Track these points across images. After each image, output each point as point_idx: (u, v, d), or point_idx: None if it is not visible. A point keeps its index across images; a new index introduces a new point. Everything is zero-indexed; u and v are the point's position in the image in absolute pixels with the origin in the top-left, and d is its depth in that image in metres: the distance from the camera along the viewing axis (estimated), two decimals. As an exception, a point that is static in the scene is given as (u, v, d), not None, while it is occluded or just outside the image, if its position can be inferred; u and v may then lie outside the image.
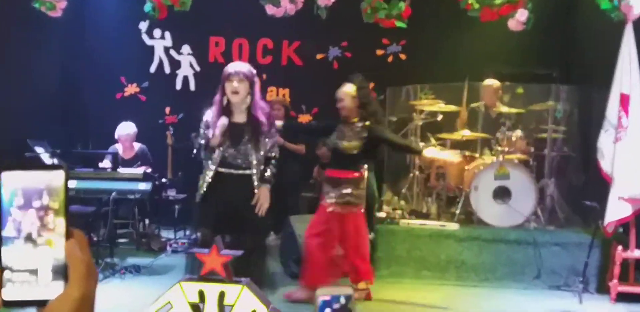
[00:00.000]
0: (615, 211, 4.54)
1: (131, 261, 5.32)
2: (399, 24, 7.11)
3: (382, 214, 5.82)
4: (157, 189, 5.92)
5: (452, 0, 5.74)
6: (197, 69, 7.77)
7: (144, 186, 5.43)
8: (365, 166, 5.76)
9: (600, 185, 4.86)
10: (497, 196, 5.39)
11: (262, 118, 3.61)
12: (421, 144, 5.46)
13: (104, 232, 5.58)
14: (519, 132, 5.68)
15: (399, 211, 5.89)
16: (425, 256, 5.17)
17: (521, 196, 5.34)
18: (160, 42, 7.75)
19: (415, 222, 5.38)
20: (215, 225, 3.59)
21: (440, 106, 6.00)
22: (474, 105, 6.03)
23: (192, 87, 7.78)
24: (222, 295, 2.68)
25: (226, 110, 3.52)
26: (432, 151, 4.55)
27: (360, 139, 4.22)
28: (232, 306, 2.66)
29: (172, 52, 7.75)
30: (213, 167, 3.57)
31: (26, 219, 0.68)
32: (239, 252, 2.94)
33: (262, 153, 3.60)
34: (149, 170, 5.98)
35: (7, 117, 5.86)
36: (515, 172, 5.38)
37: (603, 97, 4.88)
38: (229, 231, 3.62)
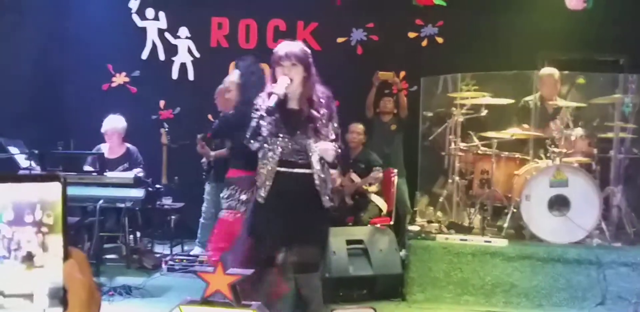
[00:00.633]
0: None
1: (121, 280, 5.37)
2: (437, 1, 7.16)
3: (415, 228, 5.82)
4: (150, 197, 5.98)
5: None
6: (197, 55, 7.85)
7: (135, 193, 5.49)
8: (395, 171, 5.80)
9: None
10: (554, 206, 5.36)
11: (321, 106, 3.62)
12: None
13: (89, 247, 5.65)
14: (579, 131, 5.65)
15: (435, 224, 5.89)
16: (468, 277, 5.16)
17: (582, 206, 5.31)
18: (153, 24, 7.84)
19: (455, 238, 5.37)
20: (271, 238, 3.58)
21: (485, 99, 5.99)
22: (527, 98, 6.01)
23: (191, 76, 7.86)
24: (229, 322, 2.72)
25: (270, 96, 3.54)
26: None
27: None
28: (242, 334, 2.70)
29: (168, 36, 7.84)
30: (273, 165, 3.57)
31: (18, 236, 0.69)
32: (249, 271, 2.97)
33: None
34: (141, 174, 6.04)
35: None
36: (575, 179, 5.35)
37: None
38: (287, 244, 3.61)
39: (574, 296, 5.03)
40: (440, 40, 7.66)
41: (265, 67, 4.59)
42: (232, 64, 7.71)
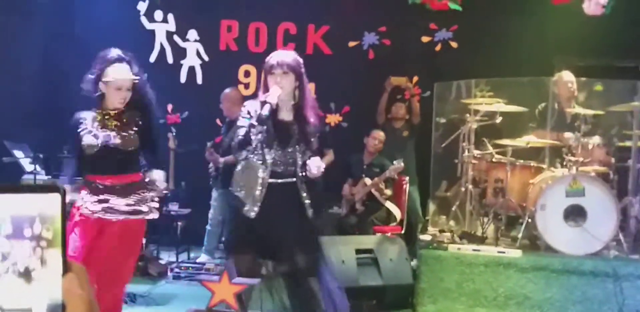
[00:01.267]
0: None
1: (126, 288, 5.39)
2: (452, 5, 7.15)
3: (426, 237, 5.81)
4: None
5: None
6: (206, 58, 7.88)
7: (141, 199, 5.49)
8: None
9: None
10: (569, 216, 5.33)
11: (312, 116, 3.63)
12: None
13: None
14: (597, 139, 5.62)
15: (447, 234, 5.87)
16: (480, 289, 5.13)
17: (599, 217, 5.27)
18: (162, 26, 7.87)
19: (468, 248, 5.35)
20: (258, 248, 3.60)
21: (500, 106, 5.97)
22: (544, 105, 5.98)
23: (199, 80, 7.89)
24: (235, 332, 2.72)
25: (263, 105, 3.55)
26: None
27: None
28: (247, 346, 2.70)
29: (176, 39, 7.87)
30: (262, 174, 3.57)
31: (17, 250, 0.69)
32: (255, 281, 2.97)
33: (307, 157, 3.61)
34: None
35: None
36: (592, 188, 5.32)
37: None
38: (273, 255, 3.62)
39: (589, 309, 4.99)
40: (454, 44, 7.65)
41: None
42: (241, 68, 7.75)
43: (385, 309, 5.10)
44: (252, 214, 3.55)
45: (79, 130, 3.50)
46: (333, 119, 7.76)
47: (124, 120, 3.54)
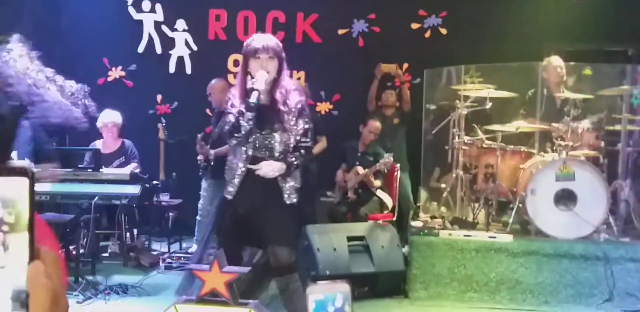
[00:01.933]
0: None
1: (117, 279, 5.39)
2: (439, -8, 7.12)
3: (418, 223, 5.82)
4: (147, 193, 5.97)
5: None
6: (194, 48, 7.83)
7: (131, 190, 5.48)
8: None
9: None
10: (560, 201, 5.35)
11: (289, 96, 3.59)
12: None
13: (85, 244, 5.65)
14: (586, 123, 5.63)
15: (438, 220, 5.88)
16: (472, 274, 5.15)
17: (589, 201, 5.29)
18: (150, 17, 7.82)
19: (459, 234, 5.36)
20: (239, 237, 3.59)
21: (490, 92, 5.97)
22: (533, 90, 5.98)
23: (189, 70, 7.84)
24: (225, 320, 2.71)
25: (250, 92, 3.52)
26: None
27: None
28: (238, 333, 2.69)
29: (165, 28, 7.81)
30: (241, 164, 3.55)
31: None
32: (245, 269, 2.96)
33: (291, 143, 3.56)
34: (138, 170, 6.04)
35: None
36: (582, 172, 5.33)
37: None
38: (255, 243, 3.62)
39: (580, 292, 5.02)
40: (443, 31, 7.63)
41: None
42: (231, 58, 7.71)
43: (378, 295, 5.11)
44: (229, 197, 3.57)
45: None
46: (324, 107, 7.74)
47: None
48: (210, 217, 3.87)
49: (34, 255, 0.68)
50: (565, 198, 5.35)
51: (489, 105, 5.90)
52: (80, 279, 5.16)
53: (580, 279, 5.04)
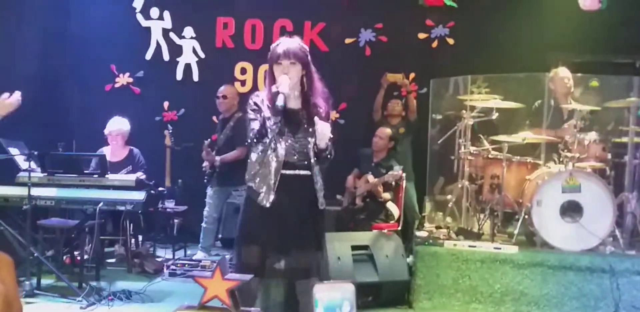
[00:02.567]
0: None
1: (121, 285, 5.38)
2: (447, 1, 7.14)
3: (422, 234, 5.79)
4: (152, 200, 5.97)
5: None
6: (202, 55, 7.87)
7: (136, 196, 5.48)
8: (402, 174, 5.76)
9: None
10: (566, 212, 5.32)
11: (321, 103, 3.59)
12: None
13: (89, 250, 5.65)
14: (593, 135, 5.61)
15: (443, 230, 5.85)
16: (476, 285, 5.12)
17: (595, 213, 5.26)
18: (158, 24, 7.86)
19: (464, 244, 5.33)
20: (268, 244, 3.51)
21: (496, 102, 5.96)
22: (540, 102, 5.97)
23: (196, 77, 7.87)
24: (227, 328, 2.70)
25: (275, 95, 3.51)
26: None
27: None
28: (240, 342, 2.68)
29: (172, 36, 7.85)
30: (275, 164, 3.48)
31: None
32: (248, 277, 2.95)
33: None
34: (143, 176, 6.04)
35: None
36: (588, 184, 5.31)
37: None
38: (285, 252, 3.53)
39: (586, 305, 4.98)
40: (451, 41, 7.63)
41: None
42: (238, 66, 7.74)
43: (382, 305, 5.08)
44: (267, 204, 3.49)
45: None
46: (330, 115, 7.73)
47: None
48: (239, 226, 3.78)
49: None
50: (572, 210, 5.32)
51: (495, 115, 5.90)
52: (84, 284, 5.15)
53: (585, 292, 5.00)
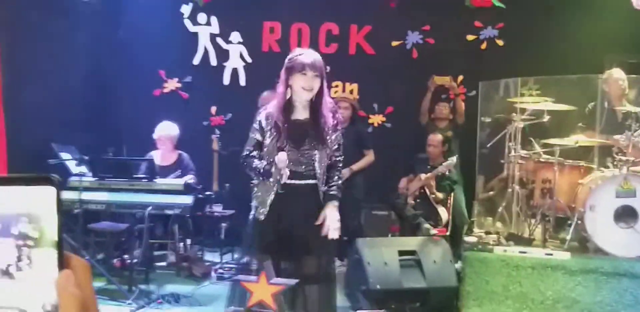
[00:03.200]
0: None
1: (170, 288, 5.48)
2: (496, 2, 7.06)
3: (472, 239, 5.73)
4: (200, 204, 6.07)
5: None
6: (249, 60, 7.94)
7: (185, 200, 5.58)
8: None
9: None
10: (620, 218, 5.20)
11: (328, 114, 3.63)
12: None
13: (139, 253, 5.77)
14: (648, 138, 5.47)
15: (493, 235, 5.78)
16: (527, 292, 5.04)
17: (652, 218, 5.15)
18: (205, 29, 7.97)
19: (515, 250, 5.26)
20: (275, 249, 3.60)
21: (548, 104, 5.87)
22: (593, 104, 5.86)
23: (243, 82, 7.95)
24: (273, 333, 2.73)
25: (287, 105, 3.58)
26: None
27: None
28: (286, 346, 2.71)
29: (220, 41, 7.96)
30: (275, 182, 3.59)
31: (2, 248, 0.65)
32: (293, 281, 2.98)
33: (326, 157, 3.62)
34: (192, 181, 6.14)
35: (29, 118, 6.14)
36: (644, 188, 5.19)
37: None
38: (290, 256, 3.61)
39: (642, 313, 4.86)
40: (500, 42, 7.55)
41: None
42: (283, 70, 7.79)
43: None
44: (262, 217, 3.58)
45: None
46: (376, 119, 7.73)
47: None
48: (246, 237, 3.89)
49: (63, 264, 0.66)
50: (626, 215, 5.19)
51: (546, 118, 5.81)
52: (133, 287, 5.26)
53: (641, 300, 4.88)
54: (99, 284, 5.41)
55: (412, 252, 5.20)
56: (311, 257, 3.55)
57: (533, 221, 5.74)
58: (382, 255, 5.05)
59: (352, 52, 7.71)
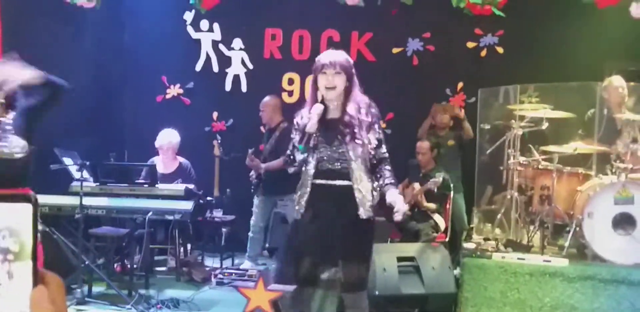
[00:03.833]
0: None
1: (169, 293, 5.48)
2: (496, 11, 7.08)
3: (470, 245, 5.73)
4: (201, 209, 6.09)
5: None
6: (250, 66, 7.97)
7: (185, 205, 5.59)
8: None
9: None
10: (618, 225, 5.20)
11: (357, 112, 3.63)
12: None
13: (139, 259, 5.78)
14: (647, 145, 5.48)
15: (492, 242, 5.78)
16: (525, 298, 5.04)
17: (650, 225, 5.14)
18: (207, 36, 8.01)
19: (513, 256, 5.26)
20: (308, 255, 3.55)
21: (547, 111, 5.88)
22: (592, 111, 5.87)
23: (244, 88, 7.98)
24: (270, 339, 2.74)
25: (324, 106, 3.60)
26: None
27: None
28: (282, 352, 2.71)
29: (222, 47, 7.99)
30: (309, 179, 3.58)
31: None
32: (291, 287, 2.99)
33: (363, 155, 3.59)
34: (192, 186, 6.15)
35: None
36: (642, 196, 5.19)
37: None
38: (330, 260, 3.58)
39: (640, 320, 4.86)
40: (500, 50, 7.56)
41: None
42: (285, 76, 7.83)
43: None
44: (298, 215, 3.57)
45: None
46: (377, 126, 7.74)
47: None
48: (285, 235, 3.89)
49: (37, 280, 0.67)
50: (624, 222, 5.19)
51: (545, 125, 5.82)
52: (133, 292, 5.27)
53: (638, 307, 4.86)
54: (99, 289, 5.43)
55: (411, 259, 5.21)
56: (350, 260, 3.53)
57: (531, 227, 5.74)
58: (381, 261, 5.06)
59: (353, 58, 7.62)
